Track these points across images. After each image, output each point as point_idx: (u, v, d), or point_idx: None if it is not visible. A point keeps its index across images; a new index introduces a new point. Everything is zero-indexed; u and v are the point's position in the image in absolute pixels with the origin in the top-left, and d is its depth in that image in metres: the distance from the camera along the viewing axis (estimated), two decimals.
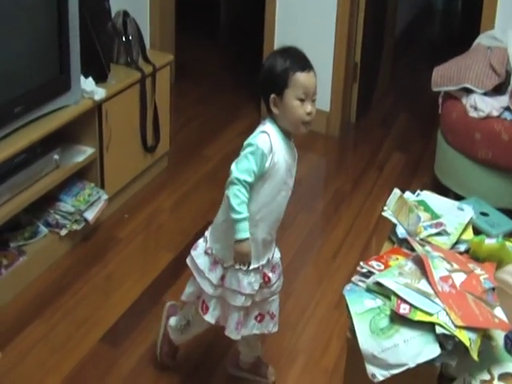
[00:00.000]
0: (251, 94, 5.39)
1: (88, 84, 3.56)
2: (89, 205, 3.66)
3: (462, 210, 2.58)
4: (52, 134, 3.38)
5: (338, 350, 3.15)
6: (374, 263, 2.23)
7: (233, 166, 2.44)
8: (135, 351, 3.08)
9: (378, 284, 2.14)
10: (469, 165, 3.99)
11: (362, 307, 2.11)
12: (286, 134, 2.49)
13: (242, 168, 2.41)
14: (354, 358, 2.10)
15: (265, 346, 3.14)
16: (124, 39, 3.90)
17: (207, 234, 2.66)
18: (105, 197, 3.75)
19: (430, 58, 6.36)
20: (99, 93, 3.58)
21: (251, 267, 2.55)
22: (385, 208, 2.58)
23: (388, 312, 2.08)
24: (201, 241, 2.67)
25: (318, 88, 2.47)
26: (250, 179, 2.41)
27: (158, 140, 4.20)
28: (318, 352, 3.17)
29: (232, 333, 2.65)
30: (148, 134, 4.09)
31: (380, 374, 2.02)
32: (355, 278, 2.22)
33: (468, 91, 3.95)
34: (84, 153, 3.66)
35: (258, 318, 2.72)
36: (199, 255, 2.65)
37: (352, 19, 4.81)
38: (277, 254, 2.71)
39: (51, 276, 3.50)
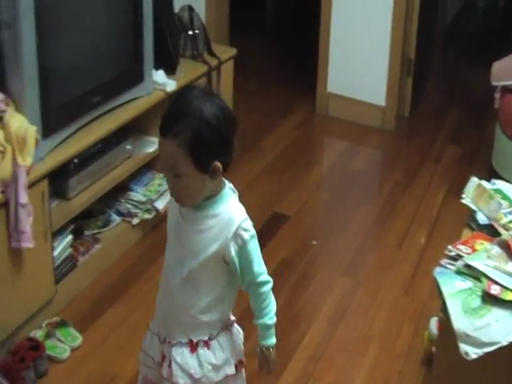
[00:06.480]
0: (304, 87, 5.44)
1: (159, 76, 3.62)
2: (159, 195, 3.73)
3: None
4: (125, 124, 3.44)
5: (410, 335, 3.20)
6: (461, 247, 2.31)
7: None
8: None
9: (468, 266, 2.22)
10: None
11: (454, 288, 2.18)
12: None
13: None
14: (446, 337, 2.17)
15: (338, 334, 3.20)
16: (190, 33, 3.98)
17: None
18: None
19: (474, 53, 6.43)
20: (171, 85, 3.63)
21: None
22: (463, 196, 2.64)
23: (479, 293, 2.15)
24: None
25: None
26: None
27: None
28: (391, 337, 3.20)
29: None
30: None
31: (473, 352, 2.09)
32: (444, 261, 2.29)
33: None
34: (154, 143, 3.70)
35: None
36: None
37: (407, 17, 4.83)
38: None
39: (126, 263, 3.57)
